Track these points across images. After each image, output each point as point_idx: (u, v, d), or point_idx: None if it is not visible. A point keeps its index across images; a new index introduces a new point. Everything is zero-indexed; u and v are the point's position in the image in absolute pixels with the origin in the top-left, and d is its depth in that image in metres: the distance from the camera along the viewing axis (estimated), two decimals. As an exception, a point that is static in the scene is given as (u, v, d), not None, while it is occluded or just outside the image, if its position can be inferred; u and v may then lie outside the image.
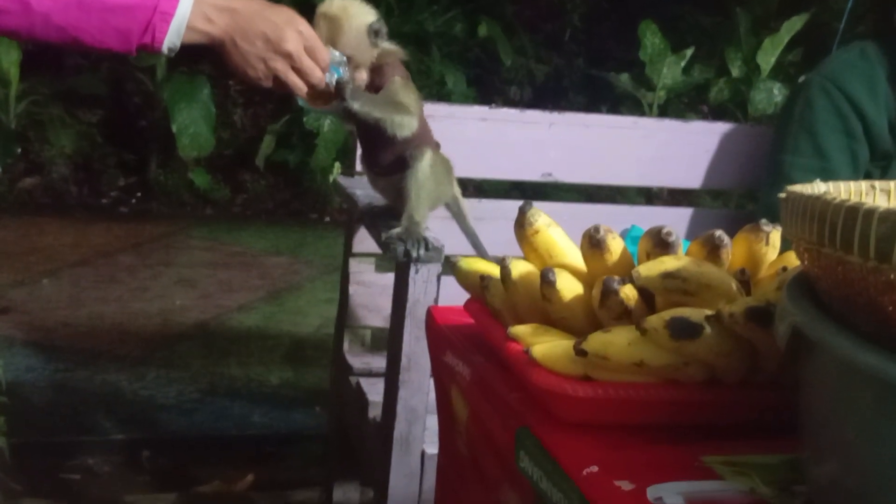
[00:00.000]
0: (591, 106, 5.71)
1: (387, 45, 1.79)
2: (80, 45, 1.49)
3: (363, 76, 1.75)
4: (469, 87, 5.71)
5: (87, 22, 1.46)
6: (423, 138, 1.83)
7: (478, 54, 6.01)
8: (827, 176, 2.11)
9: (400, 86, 1.77)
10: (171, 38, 1.50)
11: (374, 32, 1.75)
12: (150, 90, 5.41)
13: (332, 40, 1.70)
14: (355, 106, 1.70)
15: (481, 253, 1.94)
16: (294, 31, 1.57)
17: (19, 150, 5.29)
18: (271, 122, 5.48)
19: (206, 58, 4.45)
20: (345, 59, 1.70)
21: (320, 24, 1.71)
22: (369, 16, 1.76)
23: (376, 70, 1.77)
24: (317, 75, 1.62)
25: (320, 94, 1.68)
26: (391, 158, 1.82)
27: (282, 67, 1.58)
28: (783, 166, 2.18)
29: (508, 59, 5.87)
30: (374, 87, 1.77)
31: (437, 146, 1.86)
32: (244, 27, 1.54)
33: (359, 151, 2.01)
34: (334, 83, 1.67)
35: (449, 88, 5.54)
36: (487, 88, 5.92)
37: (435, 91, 5.46)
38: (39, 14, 1.44)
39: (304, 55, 1.59)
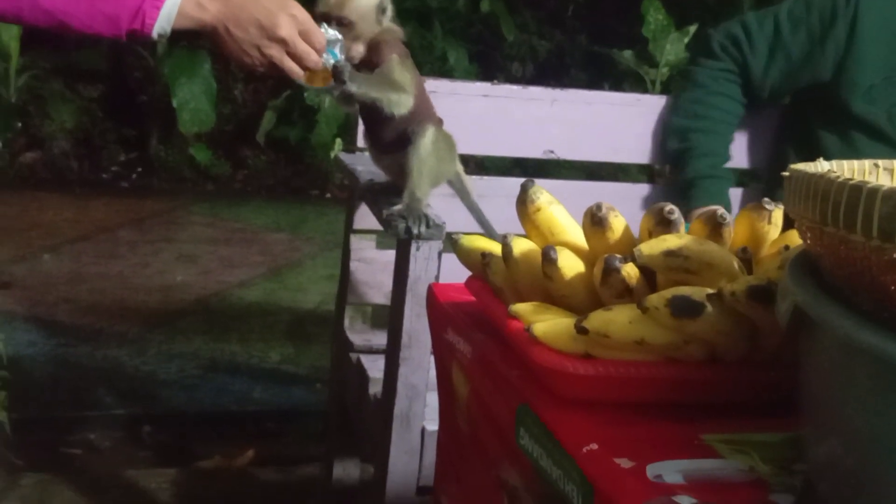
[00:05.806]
0: (593, 82, 5.68)
1: (388, 23, 1.79)
2: (67, 30, 1.47)
3: (360, 49, 1.75)
4: (471, 64, 5.68)
5: (76, 6, 1.45)
6: (425, 115, 1.83)
7: (480, 30, 5.97)
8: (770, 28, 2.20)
9: (396, 63, 1.77)
10: (162, 24, 1.49)
11: (381, 10, 1.75)
12: (151, 65, 5.39)
13: (341, 5, 1.70)
14: (353, 88, 1.71)
15: (486, 228, 1.94)
16: (287, 16, 1.56)
17: (20, 125, 5.28)
18: (272, 98, 5.46)
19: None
20: (340, 38, 1.70)
21: None
22: None
23: (374, 47, 1.77)
24: (312, 59, 1.61)
25: (318, 74, 1.68)
26: (393, 135, 1.81)
27: (276, 53, 1.58)
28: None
29: (511, 35, 5.84)
30: (371, 64, 1.77)
31: (439, 122, 1.86)
32: (237, 14, 1.53)
33: (361, 129, 2.01)
34: (331, 65, 1.67)
35: (451, 64, 5.51)
36: (489, 65, 5.89)
37: (437, 67, 5.43)
38: None
39: (299, 40, 1.58)
